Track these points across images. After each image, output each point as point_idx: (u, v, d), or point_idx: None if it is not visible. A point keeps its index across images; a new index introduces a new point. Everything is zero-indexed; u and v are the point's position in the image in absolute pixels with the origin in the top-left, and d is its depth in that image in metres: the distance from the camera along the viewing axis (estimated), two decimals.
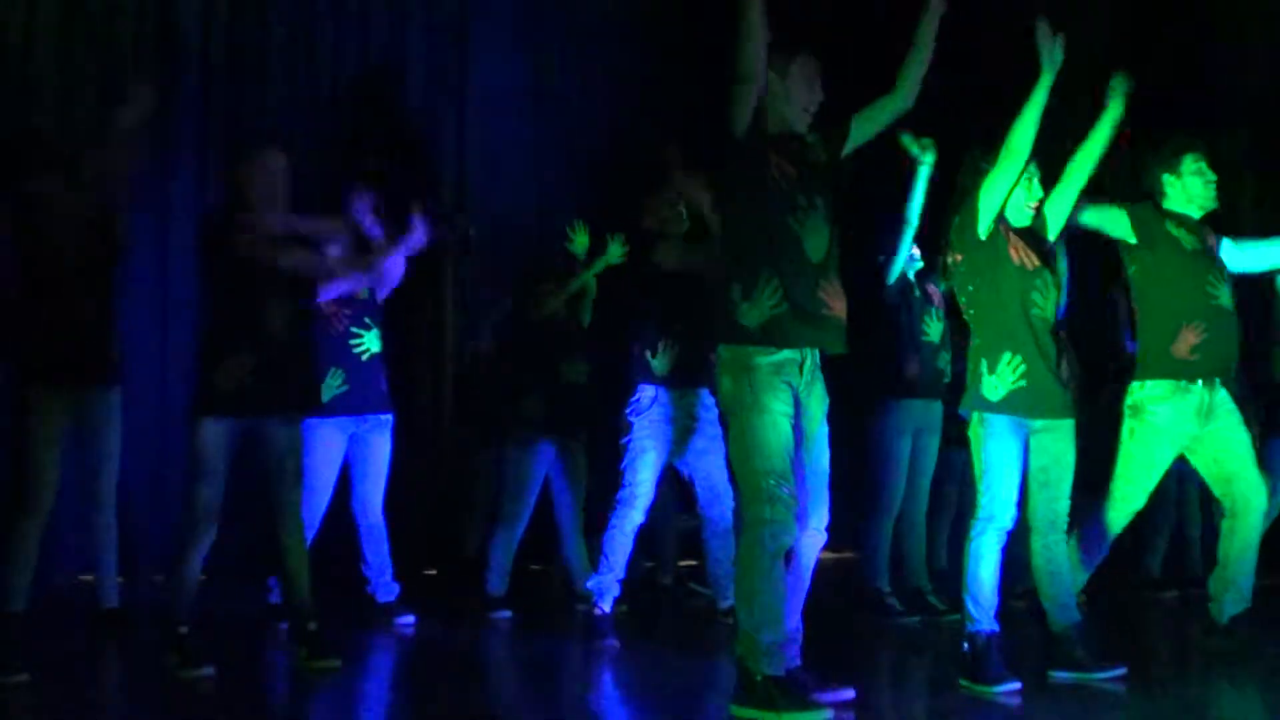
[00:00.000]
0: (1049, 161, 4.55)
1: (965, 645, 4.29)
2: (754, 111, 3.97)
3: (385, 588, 5.77)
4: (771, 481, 3.81)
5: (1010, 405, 4.32)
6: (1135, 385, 4.78)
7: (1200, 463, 4.83)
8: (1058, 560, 4.47)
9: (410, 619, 5.68)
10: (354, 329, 5.66)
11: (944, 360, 5.97)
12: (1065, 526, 4.49)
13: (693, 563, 6.45)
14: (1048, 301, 4.41)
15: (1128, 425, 4.76)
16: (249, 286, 4.61)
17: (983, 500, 4.33)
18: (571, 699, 4.56)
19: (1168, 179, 4.90)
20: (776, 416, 3.85)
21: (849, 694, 3.98)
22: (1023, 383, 4.32)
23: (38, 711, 4.09)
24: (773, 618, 3.82)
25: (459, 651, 5.37)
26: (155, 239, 7.02)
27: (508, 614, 5.93)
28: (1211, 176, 4.88)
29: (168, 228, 7.09)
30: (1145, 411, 4.73)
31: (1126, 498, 4.77)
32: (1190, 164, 4.87)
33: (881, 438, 5.94)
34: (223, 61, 7.41)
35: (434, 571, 7.37)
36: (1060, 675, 4.40)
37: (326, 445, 5.52)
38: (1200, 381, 4.71)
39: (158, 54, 7.25)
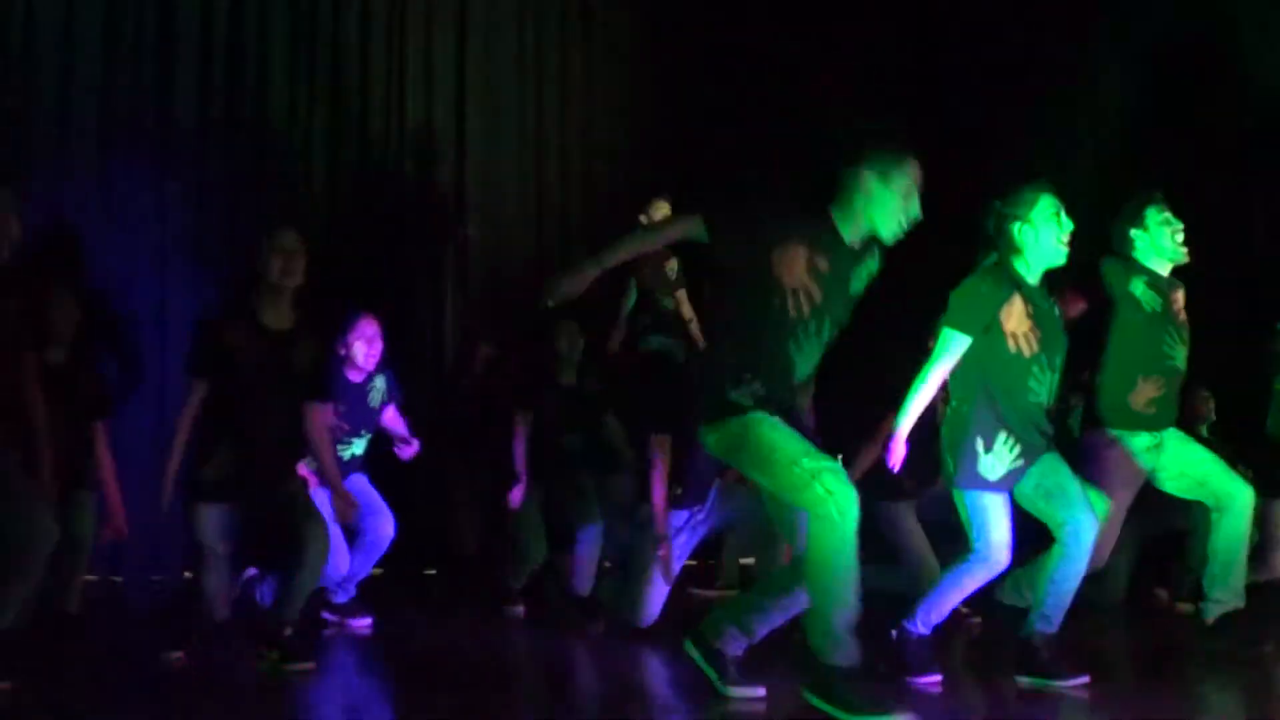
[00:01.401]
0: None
1: (894, 634, 4.35)
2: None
3: (346, 590, 5.72)
4: (806, 462, 3.68)
5: (1008, 482, 4.28)
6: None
7: (1171, 486, 4.89)
8: (1069, 576, 4.32)
9: (367, 620, 5.65)
10: (346, 438, 5.64)
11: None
12: (1089, 538, 4.28)
13: (691, 562, 6.43)
14: (1043, 387, 4.33)
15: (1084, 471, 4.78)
16: (240, 389, 4.65)
17: (978, 545, 4.28)
18: (574, 698, 4.55)
19: (1135, 233, 4.93)
20: (772, 421, 3.78)
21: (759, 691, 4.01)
22: (1020, 462, 4.28)
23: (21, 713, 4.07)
24: (849, 601, 3.67)
25: (464, 650, 5.36)
26: (153, 237, 7.04)
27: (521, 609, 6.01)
28: (1178, 225, 4.90)
29: (165, 227, 7.11)
30: (1098, 456, 4.80)
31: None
32: (1155, 216, 4.90)
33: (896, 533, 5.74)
34: (223, 59, 7.44)
35: (434, 571, 7.37)
36: (1025, 680, 4.32)
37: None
38: (1149, 431, 4.84)
39: (156, 54, 7.29)
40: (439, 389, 7.86)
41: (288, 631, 4.67)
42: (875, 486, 5.04)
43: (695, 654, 4.07)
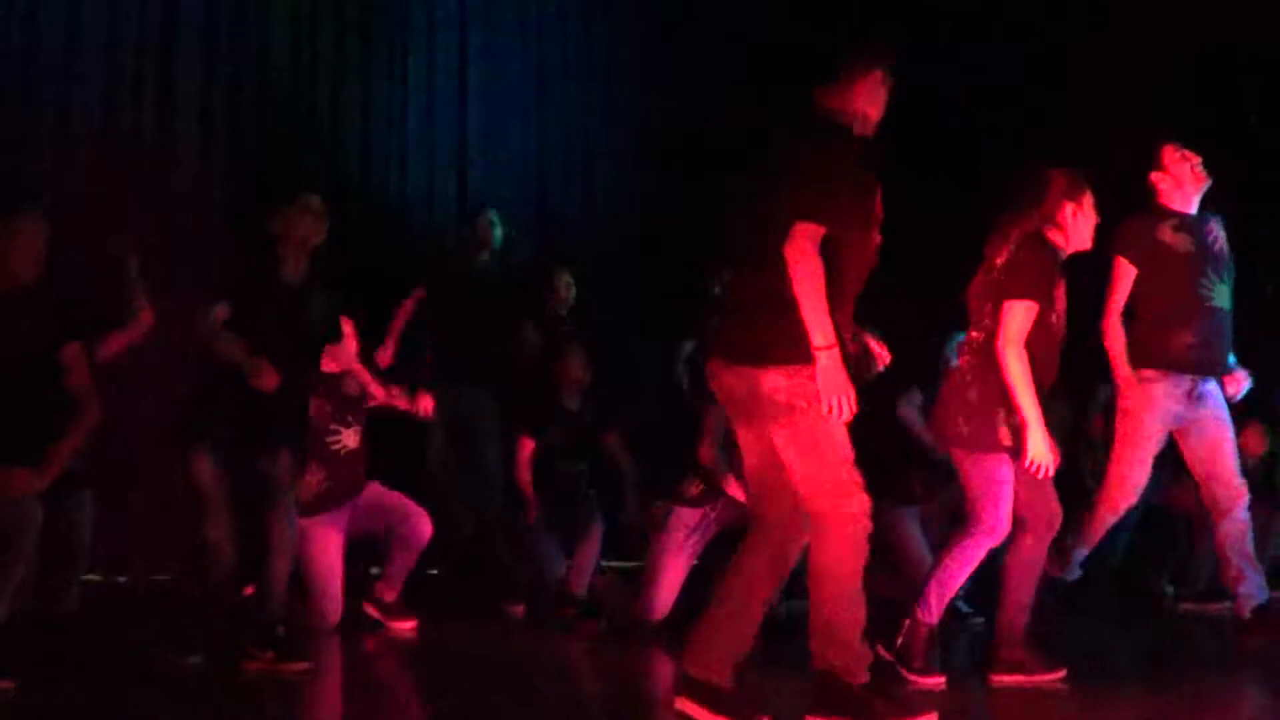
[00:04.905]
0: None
1: (906, 624, 4.25)
2: None
3: (393, 587, 5.74)
4: (846, 472, 3.53)
5: (1016, 450, 4.21)
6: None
7: (1188, 450, 4.97)
8: (1037, 562, 4.35)
9: (411, 623, 5.65)
10: (333, 425, 5.62)
11: None
12: (1058, 527, 4.35)
13: (697, 563, 6.42)
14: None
15: (1120, 406, 4.88)
16: (254, 342, 4.60)
17: (984, 515, 4.22)
18: (575, 698, 4.54)
19: (1156, 177, 4.97)
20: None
21: None
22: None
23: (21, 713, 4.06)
24: (861, 608, 3.55)
25: (464, 651, 5.38)
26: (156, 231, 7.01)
27: None
28: (1194, 159, 4.93)
29: (169, 221, 7.09)
30: (1135, 388, 4.85)
31: (1123, 480, 4.87)
32: (1170, 154, 4.95)
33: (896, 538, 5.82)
34: (224, 61, 7.43)
35: (435, 572, 7.35)
36: (1003, 679, 4.28)
37: (323, 544, 5.46)
38: (1190, 375, 4.87)
39: (160, 54, 7.28)
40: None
41: (280, 631, 4.65)
42: (882, 489, 5.01)
43: None
